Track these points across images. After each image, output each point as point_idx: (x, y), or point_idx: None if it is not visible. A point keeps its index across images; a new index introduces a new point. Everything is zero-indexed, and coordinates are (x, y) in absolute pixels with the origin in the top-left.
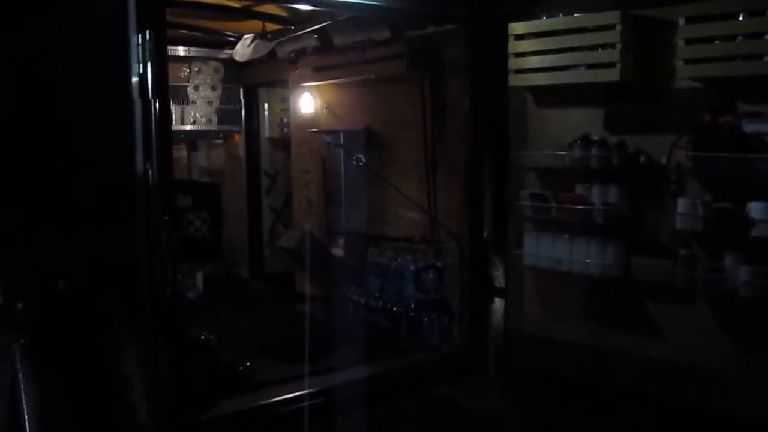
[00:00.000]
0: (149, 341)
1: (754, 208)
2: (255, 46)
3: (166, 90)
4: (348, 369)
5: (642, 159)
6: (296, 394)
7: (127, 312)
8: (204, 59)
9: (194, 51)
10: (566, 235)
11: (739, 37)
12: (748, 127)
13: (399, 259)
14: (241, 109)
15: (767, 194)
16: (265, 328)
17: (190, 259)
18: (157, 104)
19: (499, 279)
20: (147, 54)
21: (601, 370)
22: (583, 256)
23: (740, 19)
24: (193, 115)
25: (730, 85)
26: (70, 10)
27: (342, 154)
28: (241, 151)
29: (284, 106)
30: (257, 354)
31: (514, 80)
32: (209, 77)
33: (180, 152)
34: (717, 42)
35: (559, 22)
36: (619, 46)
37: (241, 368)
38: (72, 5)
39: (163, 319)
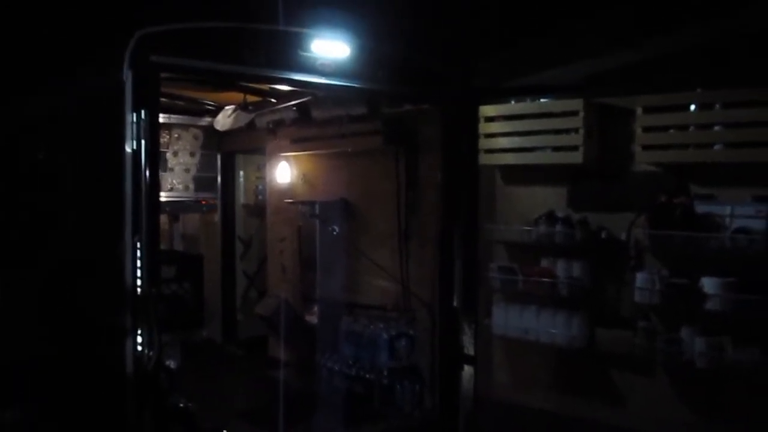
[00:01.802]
0: (134, 411)
1: (707, 283)
2: (236, 117)
3: (157, 165)
4: None
5: (603, 235)
6: None
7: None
8: (184, 126)
9: (175, 118)
10: (533, 307)
11: (692, 127)
12: (701, 208)
13: (372, 327)
14: (217, 176)
15: (719, 270)
16: (240, 394)
17: (174, 327)
18: (148, 179)
19: (469, 347)
20: (141, 131)
21: None
22: (549, 327)
23: (692, 110)
24: (170, 182)
25: (684, 169)
26: (71, 87)
27: (318, 224)
28: (217, 217)
29: (259, 173)
30: (234, 420)
31: (484, 159)
32: (188, 144)
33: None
34: (672, 131)
35: (527, 106)
36: (582, 131)
37: None
38: (73, 83)
39: (145, 388)
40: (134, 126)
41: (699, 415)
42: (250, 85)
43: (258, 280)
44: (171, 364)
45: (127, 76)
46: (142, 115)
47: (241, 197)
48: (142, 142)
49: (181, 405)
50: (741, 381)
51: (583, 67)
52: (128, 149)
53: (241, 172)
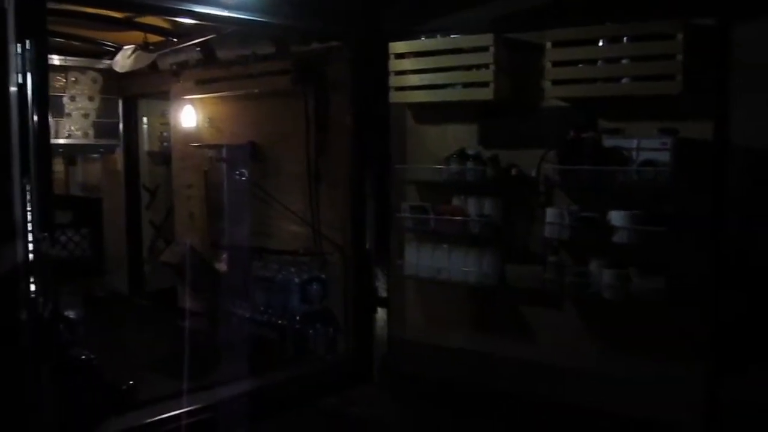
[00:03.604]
0: (29, 362)
1: (615, 216)
2: (136, 57)
3: (46, 103)
4: (234, 383)
5: (514, 172)
6: (182, 410)
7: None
8: (81, 69)
9: (71, 60)
10: (445, 246)
11: (600, 62)
12: (608, 143)
13: (283, 272)
14: (119, 122)
15: (626, 203)
16: (149, 345)
17: (71, 274)
18: (36, 117)
19: (382, 289)
20: (27, 64)
21: (482, 374)
22: (461, 265)
23: (600, 45)
24: (68, 129)
25: (592, 104)
26: None
27: (225, 168)
28: (120, 166)
29: (164, 119)
30: (142, 371)
31: (394, 97)
32: (87, 88)
33: (56, 167)
34: (580, 65)
35: (437, 42)
36: (492, 67)
37: (125, 387)
38: None
39: (42, 338)
40: (19, 58)
41: (607, 345)
42: (150, 23)
43: (165, 230)
44: (71, 314)
45: (9, 3)
46: (28, 46)
47: (146, 144)
48: (29, 76)
49: (83, 357)
50: (647, 309)
51: (495, 7)
52: (13, 84)
53: (145, 118)
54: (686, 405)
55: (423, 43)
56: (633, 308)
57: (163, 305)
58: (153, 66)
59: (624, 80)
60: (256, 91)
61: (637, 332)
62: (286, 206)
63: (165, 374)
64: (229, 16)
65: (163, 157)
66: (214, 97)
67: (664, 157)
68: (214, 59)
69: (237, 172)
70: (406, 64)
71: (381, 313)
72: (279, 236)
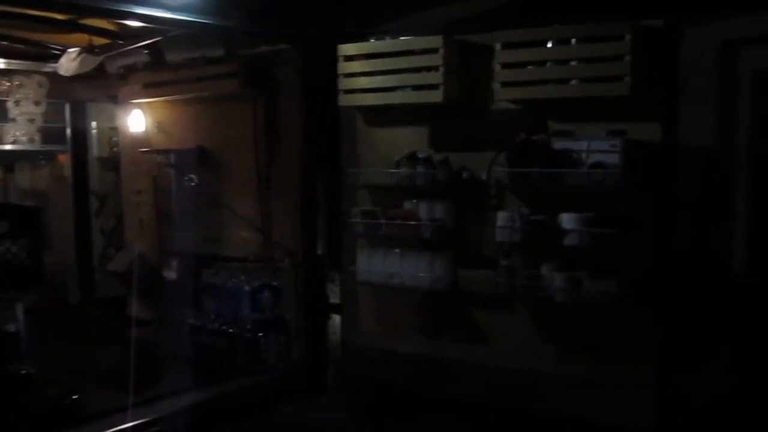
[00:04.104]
0: None
1: (565, 219)
2: (81, 61)
3: None
4: (185, 394)
5: (465, 175)
6: (128, 424)
7: None
8: (26, 73)
9: (15, 63)
10: (397, 251)
11: (549, 63)
12: (558, 145)
13: (234, 280)
14: (66, 127)
15: (576, 206)
16: (96, 357)
17: (9, 288)
18: None
19: (335, 295)
20: None
21: (436, 379)
22: (413, 270)
23: (549, 46)
24: (13, 134)
25: (542, 106)
26: None
27: (174, 174)
28: (68, 172)
29: (114, 123)
30: (88, 384)
31: (344, 100)
32: (32, 92)
33: None
34: (530, 67)
35: (386, 44)
36: (442, 69)
37: (68, 401)
38: None
39: None
40: None
41: (561, 348)
42: (95, 25)
43: (116, 237)
44: (11, 327)
45: None
46: None
47: (95, 149)
48: None
49: (23, 372)
50: (599, 312)
51: (445, 9)
52: None
53: (94, 123)
54: (638, 407)
55: (372, 45)
56: (585, 311)
57: (114, 314)
58: (101, 69)
59: (573, 82)
60: (206, 94)
61: (590, 335)
62: (236, 212)
63: (111, 387)
64: (173, 18)
65: (113, 162)
66: (162, 101)
67: (613, 159)
68: (162, 62)
69: (186, 178)
70: (356, 66)
71: (335, 320)
72: (230, 243)
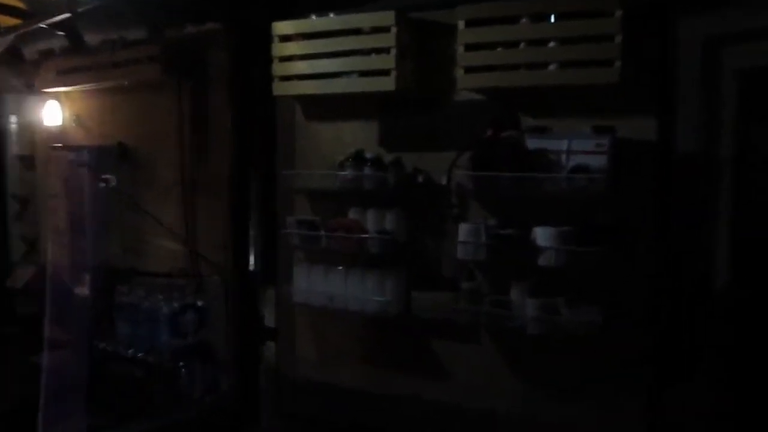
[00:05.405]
0: None
1: (540, 235)
2: None
3: None
4: None
5: (420, 179)
6: None
7: None
8: None
9: None
10: (340, 268)
11: (522, 44)
12: (533, 144)
13: (150, 299)
14: None
15: (554, 217)
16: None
17: None
18: None
19: (270, 318)
20: None
21: (384, 418)
22: (358, 291)
23: (523, 23)
24: None
25: (514, 96)
26: None
27: (86, 175)
28: None
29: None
30: None
31: (279, 88)
32: None
33: None
34: (499, 49)
35: (329, 22)
36: (394, 52)
37: None
38: None
39: None
40: None
41: (532, 386)
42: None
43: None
44: None
45: None
46: None
47: (14, 146)
48: None
49: None
50: (577, 344)
51: None
52: None
53: (13, 116)
54: None
55: (312, 23)
56: (563, 342)
57: (33, 334)
58: (20, 56)
59: (551, 67)
60: (125, 83)
61: (566, 369)
62: (157, 219)
63: (8, 426)
64: None
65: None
66: (80, 91)
67: (598, 161)
68: (81, 46)
69: (102, 179)
70: (293, 48)
71: (268, 347)
72: (153, 255)
